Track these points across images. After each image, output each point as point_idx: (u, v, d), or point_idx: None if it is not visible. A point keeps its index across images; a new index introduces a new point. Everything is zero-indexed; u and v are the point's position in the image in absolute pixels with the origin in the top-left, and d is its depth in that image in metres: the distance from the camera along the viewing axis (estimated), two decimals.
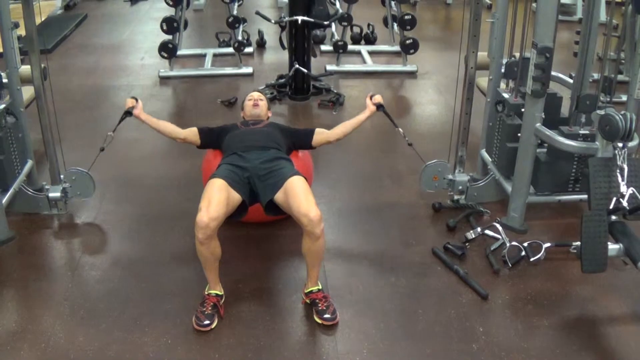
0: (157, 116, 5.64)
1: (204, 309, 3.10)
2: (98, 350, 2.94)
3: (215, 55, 7.50)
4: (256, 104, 3.86)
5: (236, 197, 3.20)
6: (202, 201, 3.08)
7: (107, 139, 3.79)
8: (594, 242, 3.00)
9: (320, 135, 3.78)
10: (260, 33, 8.03)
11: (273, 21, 6.33)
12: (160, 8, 8.55)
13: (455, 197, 4.17)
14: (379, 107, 3.80)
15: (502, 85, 4.14)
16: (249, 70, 6.98)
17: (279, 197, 3.20)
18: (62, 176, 4.04)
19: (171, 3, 6.68)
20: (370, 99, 3.81)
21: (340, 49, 6.95)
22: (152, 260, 3.64)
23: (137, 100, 3.78)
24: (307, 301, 3.21)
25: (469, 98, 4.02)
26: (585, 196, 3.43)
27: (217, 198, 3.08)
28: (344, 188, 4.51)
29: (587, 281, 3.42)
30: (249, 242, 3.80)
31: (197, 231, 3.00)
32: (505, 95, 3.96)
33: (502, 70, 4.05)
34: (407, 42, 6.93)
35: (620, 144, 3.10)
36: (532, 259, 3.57)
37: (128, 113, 3.74)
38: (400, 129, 3.90)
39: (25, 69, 3.92)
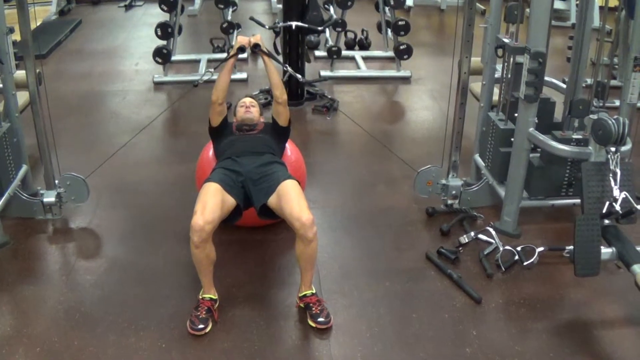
0: (152, 122, 5.72)
1: (198, 313, 3.10)
2: (93, 354, 2.94)
3: (209, 60, 7.49)
4: (248, 110, 3.86)
5: (230, 201, 3.21)
6: (197, 205, 3.10)
7: (204, 75, 3.77)
8: (587, 246, 3.02)
9: (275, 113, 3.80)
10: None
11: (267, 27, 6.35)
12: (155, 14, 8.55)
13: (449, 202, 4.18)
14: (256, 46, 3.79)
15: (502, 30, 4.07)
16: (244, 75, 6.98)
17: (272, 201, 3.22)
18: (56, 181, 4.04)
19: (166, 9, 6.68)
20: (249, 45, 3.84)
21: (334, 55, 6.97)
22: (147, 265, 3.64)
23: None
24: (301, 305, 3.22)
25: (463, 103, 4.03)
26: (578, 200, 3.45)
27: (212, 202, 3.10)
28: (338, 193, 4.51)
29: (580, 285, 3.43)
30: (243, 246, 3.80)
31: (192, 234, 3.01)
32: (506, 40, 3.94)
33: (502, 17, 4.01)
34: (401, 47, 6.95)
35: (613, 149, 3.12)
36: (525, 263, 3.58)
37: (242, 50, 3.74)
38: (287, 66, 3.96)
39: (20, 74, 3.93)
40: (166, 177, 4.70)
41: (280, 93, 3.73)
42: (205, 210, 3.04)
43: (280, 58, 6.31)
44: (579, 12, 3.99)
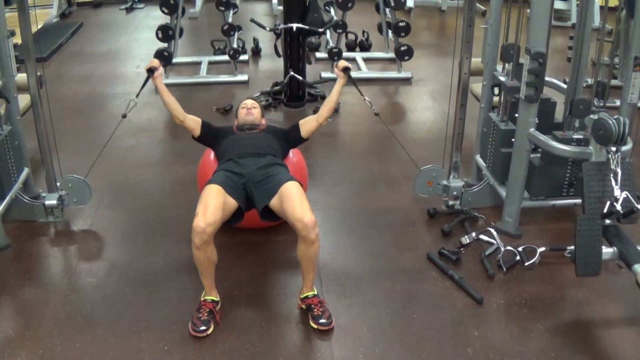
0: (153, 124, 5.74)
1: (200, 315, 3.11)
2: (95, 356, 2.94)
3: (210, 62, 7.51)
4: (249, 112, 3.86)
5: (232, 203, 3.21)
6: (198, 206, 3.10)
7: (130, 105, 3.79)
8: (588, 246, 3.01)
9: (307, 124, 3.82)
10: (255, 41, 8.05)
11: (268, 29, 6.35)
12: (156, 16, 8.56)
13: (450, 203, 4.18)
14: (346, 70, 3.84)
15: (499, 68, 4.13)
16: (244, 77, 7.00)
17: (274, 202, 3.22)
18: (58, 183, 4.04)
19: (167, 11, 6.69)
20: (338, 67, 3.88)
21: (335, 56, 6.96)
22: (149, 267, 3.64)
23: (161, 64, 3.81)
24: (303, 306, 3.22)
25: (463, 104, 4.03)
26: (579, 200, 3.45)
27: (213, 203, 3.10)
28: (339, 194, 4.52)
29: (581, 285, 3.43)
30: (244, 248, 3.81)
31: (193, 236, 3.01)
32: (502, 79, 3.96)
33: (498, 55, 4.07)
34: (402, 48, 6.96)
35: (613, 148, 3.11)
36: (526, 264, 3.57)
37: (150, 72, 3.74)
38: (366, 98, 3.96)
39: (21, 77, 3.94)
40: (167, 179, 4.71)
41: (328, 115, 3.85)
42: (206, 212, 3.04)
43: (281, 60, 6.32)
44: (579, 12, 4.00)
